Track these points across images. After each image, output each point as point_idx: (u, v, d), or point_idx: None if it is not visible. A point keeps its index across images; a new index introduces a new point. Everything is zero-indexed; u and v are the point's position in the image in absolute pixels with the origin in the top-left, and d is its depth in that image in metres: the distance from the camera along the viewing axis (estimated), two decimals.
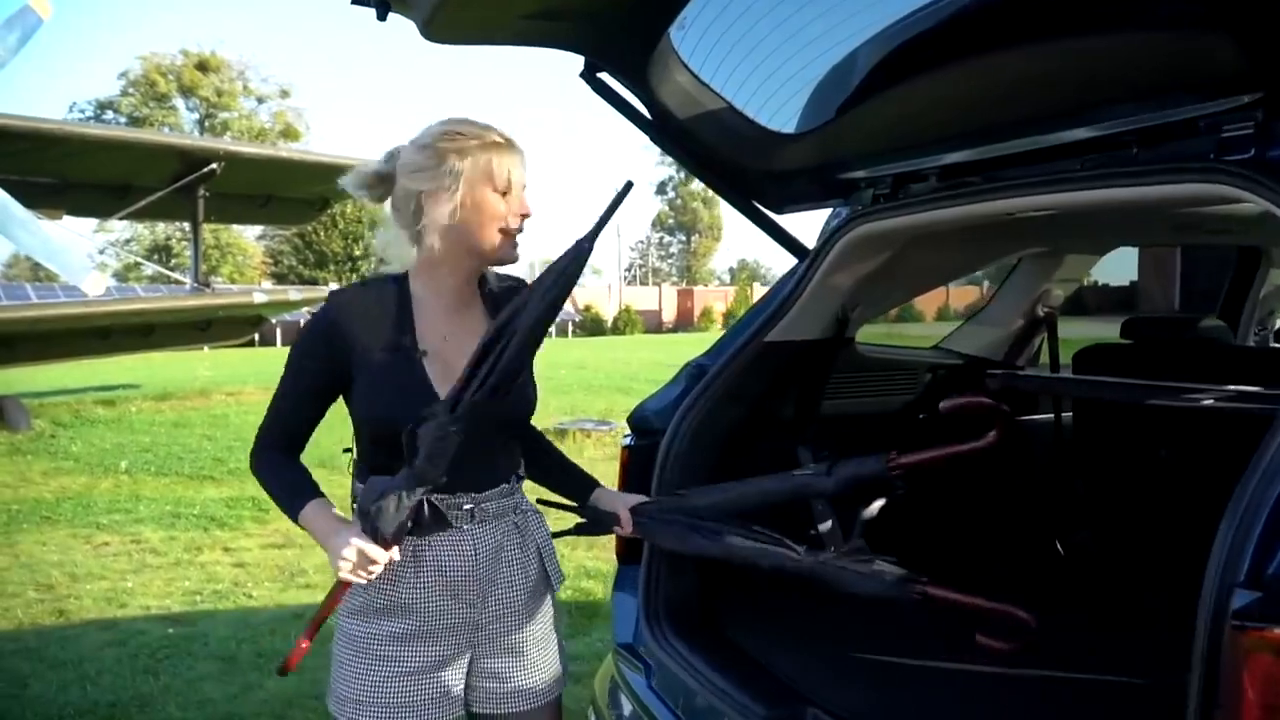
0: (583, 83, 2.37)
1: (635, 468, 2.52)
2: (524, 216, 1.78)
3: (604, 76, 2.36)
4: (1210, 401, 2.52)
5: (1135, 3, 1.70)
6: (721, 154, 2.53)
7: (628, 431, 2.68)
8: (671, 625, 2.39)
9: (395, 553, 1.65)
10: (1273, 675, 1.17)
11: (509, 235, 1.77)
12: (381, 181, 1.81)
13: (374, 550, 1.61)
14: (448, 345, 1.78)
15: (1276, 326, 4.59)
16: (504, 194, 1.75)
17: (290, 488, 1.77)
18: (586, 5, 2.10)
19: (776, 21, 2.15)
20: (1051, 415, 3.42)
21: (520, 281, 1.90)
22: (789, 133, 2.41)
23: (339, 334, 1.75)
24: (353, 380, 1.75)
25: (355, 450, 1.83)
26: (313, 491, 1.76)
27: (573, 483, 2.05)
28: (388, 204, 1.83)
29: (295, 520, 1.75)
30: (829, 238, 2.48)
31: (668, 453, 2.45)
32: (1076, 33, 1.78)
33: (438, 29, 2.06)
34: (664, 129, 2.46)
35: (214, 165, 12.33)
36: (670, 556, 2.45)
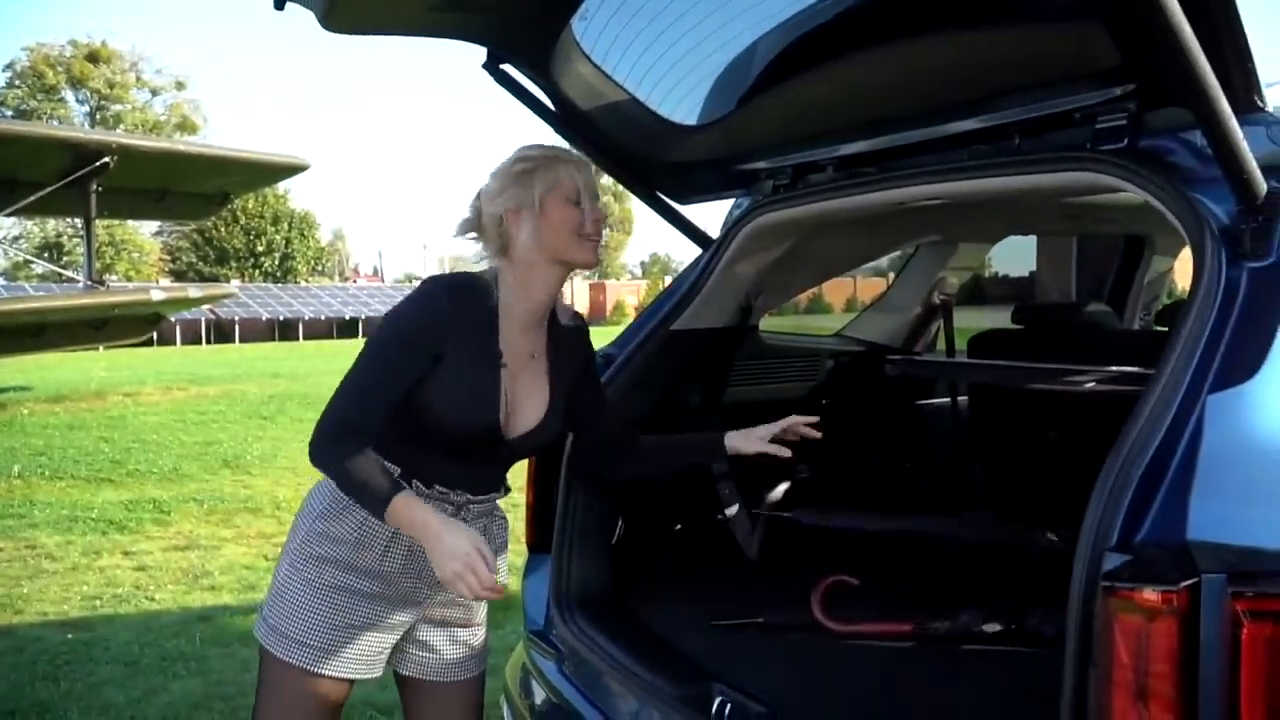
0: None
1: (543, 458, 2.53)
2: (597, 221, 1.90)
3: (507, 68, 2.36)
4: (1092, 384, 2.63)
5: None
6: (625, 145, 2.55)
7: None
8: (582, 610, 2.41)
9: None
10: (1140, 633, 1.24)
11: (587, 240, 1.89)
12: (479, 217, 1.92)
13: (487, 557, 1.72)
14: (517, 361, 1.90)
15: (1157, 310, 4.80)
16: (575, 203, 1.87)
17: (381, 476, 1.78)
18: None
19: (678, 13, 2.17)
20: (948, 400, 3.52)
21: (581, 320, 2.09)
22: (691, 124, 2.44)
23: (442, 323, 1.81)
24: (432, 373, 1.81)
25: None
26: (397, 483, 1.80)
27: (697, 447, 2.26)
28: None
29: (383, 514, 1.76)
30: (731, 227, 2.53)
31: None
32: (963, 26, 1.85)
33: (337, 19, 2.03)
34: (567, 121, 2.47)
35: (106, 159, 11.83)
36: (581, 542, 2.47)
